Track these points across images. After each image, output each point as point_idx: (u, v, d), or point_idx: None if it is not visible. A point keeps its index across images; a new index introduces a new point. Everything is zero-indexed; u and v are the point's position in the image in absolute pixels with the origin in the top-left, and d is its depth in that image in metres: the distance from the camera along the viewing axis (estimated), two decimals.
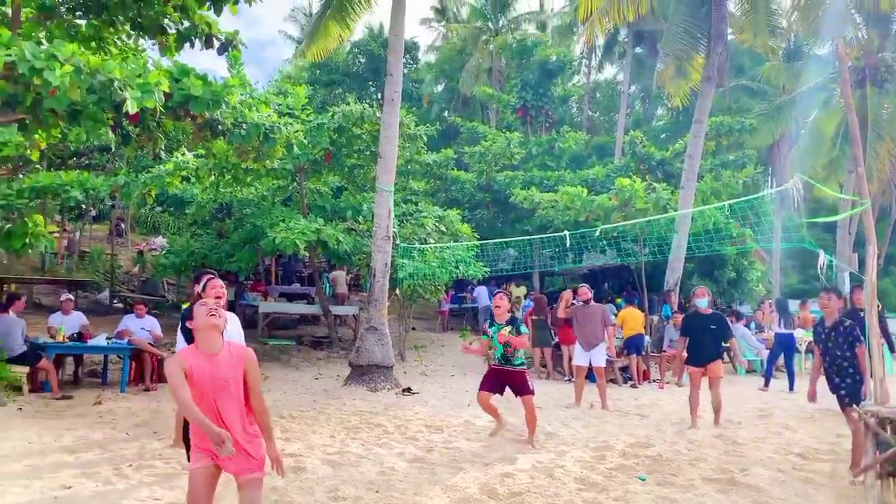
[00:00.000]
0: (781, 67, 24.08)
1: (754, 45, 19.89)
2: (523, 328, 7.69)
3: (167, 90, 8.92)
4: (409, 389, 11.03)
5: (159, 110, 9.19)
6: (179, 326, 5.80)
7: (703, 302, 8.99)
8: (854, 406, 5.94)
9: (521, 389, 7.65)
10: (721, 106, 25.37)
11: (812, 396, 6.90)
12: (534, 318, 13.91)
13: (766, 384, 12.35)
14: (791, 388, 12.09)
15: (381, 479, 5.94)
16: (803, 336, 13.31)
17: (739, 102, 27.70)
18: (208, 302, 3.70)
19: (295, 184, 15.69)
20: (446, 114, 36.29)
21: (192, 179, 15.50)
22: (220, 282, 6.02)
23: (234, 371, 3.62)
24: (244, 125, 10.52)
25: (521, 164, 24.04)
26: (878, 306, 13.12)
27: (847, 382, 6.31)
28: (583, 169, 23.58)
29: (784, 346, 12.39)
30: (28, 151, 11.42)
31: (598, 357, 10.21)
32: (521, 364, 7.74)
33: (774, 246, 22.30)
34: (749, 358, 14.77)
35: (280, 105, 13.73)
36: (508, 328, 7.61)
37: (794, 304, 15.30)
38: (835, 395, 6.50)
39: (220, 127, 10.48)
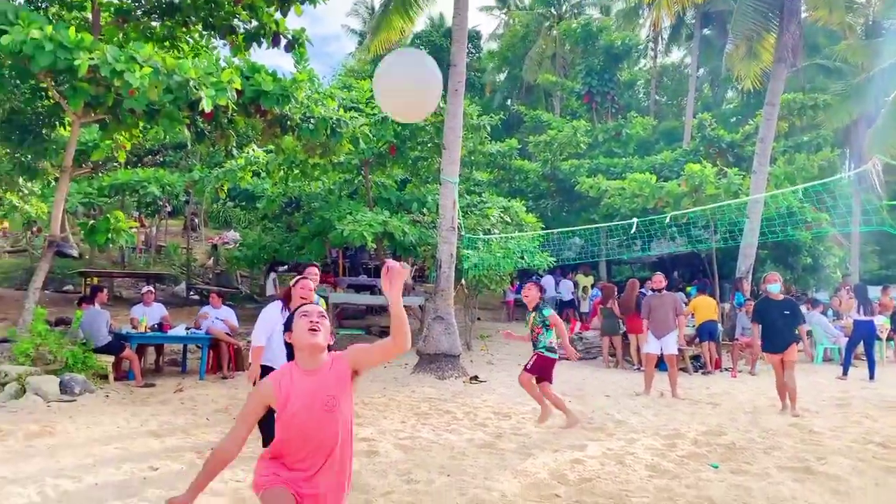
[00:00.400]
0: (859, 45, 23.07)
1: (830, 22, 19.12)
2: (546, 311, 7.74)
3: (239, 87, 9.22)
4: (476, 378, 11.12)
5: (232, 108, 9.52)
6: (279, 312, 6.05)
7: (774, 287, 8.82)
8: None
9: (529, 368, 7.76)
10: (794, 86, 24.49)
11: None
12: (601, 307, 13.82)
13: (845, 373, 11.95)
14: (871, 377, 11.68)
15: (452, 463, 6.04)
16: (884, 323, 12.83)
17: (814, 82, 26.71)
18: (310, 311, 3.04)
19: (361, 177, 15.96)
20: (509, 102, 36.18)
21: (263, 174, 16.00)
22: (311, 285, 6.16)
23: (341, 384, 2.98)
24: (312, 120, 10.79)
25: (587, 151, 23.80)
26: None
27: None
28: (650, 155, 23.19)
29: (864, 334, 11.96)
30: (115, 152, 11.96)
31: (670, 345, 10.07)
32: (544, 347, 7.75)
33: (853, 230, 21.47)
34: (826, 346, 14.33)
35: (345, 99, 13.98)
36: (534, 314, 7.76)
37: (875, 291, 14.74)
38: None
39: (288, 123, 10.78)
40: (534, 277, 20.86)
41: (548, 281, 20.30)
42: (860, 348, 12.38)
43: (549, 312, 7.76)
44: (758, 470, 6.00)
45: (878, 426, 7.89)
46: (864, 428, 7.78)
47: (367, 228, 13.10)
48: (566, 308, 20.02)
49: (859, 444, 6.97)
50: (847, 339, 12.68)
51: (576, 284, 20.59)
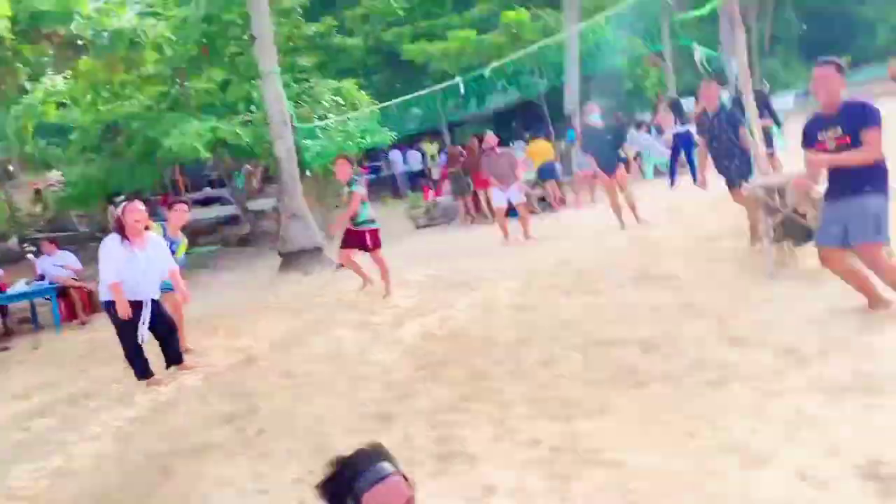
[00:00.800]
0: None
1: None
2: (354, 186, 7.99)
3: (9, 13, 8.31)
4: (342, 265, 11.22)
5: (9, 37, 8.61)
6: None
7: (594, 117, 9.46)
8: (743, 183, 6.42)
9: (364, 247, 8.17)
10: None
11: (704, 184, 7.42)
12: (451, 170, 14.13)
13: (672, 183, 12.99)
14: (695, 180, 12.70)
15: (331, 349, 6.23)
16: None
17: None
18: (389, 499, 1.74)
19: (177, 86, 14.99)
20: None
21: (68, 104, 14.70)
22: (141, 206, 6.05)
23: None
24: (105, 34, 9.94)
25: (407, 18, 23.31)
26: (766, 86, 13.72)
27: (735, 164, 6.75)
28: (469, 9, 23.04)
29: (682, 144, 12.93)
30: None
31: (515, 195, 10.55)
32: (364, 222, 8.10)
33: (665, 48, 22.57)
34: (655, 163, 15.42)
35: (138, 2, 12.87)
36: (347, 189, 8.02)
37: (689, 102, 15.79)
38: (724, 178, 6.99)
39: (80, 42, 9.89)
40: (382, 155, 20.89)
41: (395, 155, 20.39)
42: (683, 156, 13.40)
43: (355, 188, 7.97)
44: (606, 287, 6.59)
45: (703, 222, 8.74)
46: (693, 227, 8.62)
47: (197, 139, 12.48)
48: (418, 178, 20.27)
49: (690, 243, 7.76)
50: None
51: (423, 154, 20.79)
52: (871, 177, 4.45)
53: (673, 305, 5.66)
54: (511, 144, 17.33)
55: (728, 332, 4.80)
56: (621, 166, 9.59)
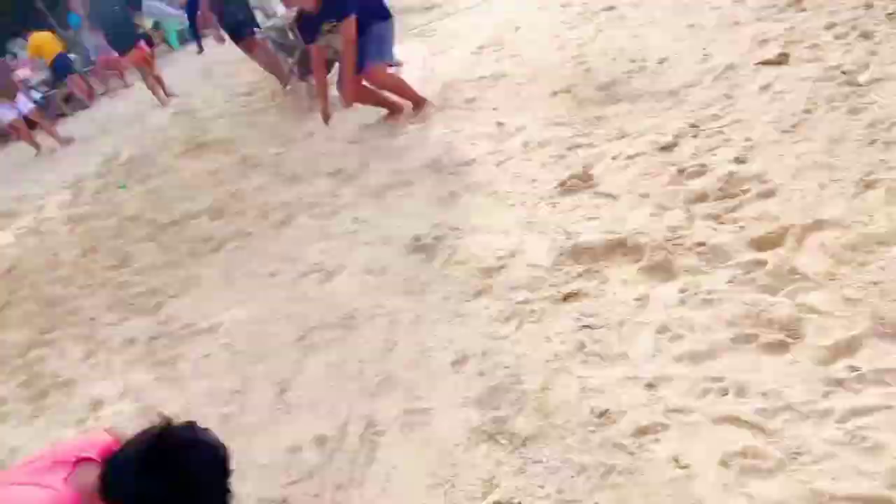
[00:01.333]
0: None
1: None
2: None
3: None
4: None
5: None
6: None
7: None
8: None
9: None
10: None
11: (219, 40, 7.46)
12: None
13: (200, 48, 11.96)
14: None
15: None
16: None
17: None
18: None
19: None
20: None
21: None
22: None
23: None
24: None
25: None
26: None
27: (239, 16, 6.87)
28: None
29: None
30: None
31: (24, 105, 9.47)
32: None
33: None
34: (177, 29, 14.50)
35: None
36: None
37: None
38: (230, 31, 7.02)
39: None
40: None
41: None
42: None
43: None
44: (158, 169, 6.37)
45: (237, 82, 8.68)
46: (228, 87, 8.57)
47: None
48: None
49: (230, 102, 7.78)
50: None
51: None
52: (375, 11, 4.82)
53: (229, 166, 5.72)
54: (6, 46, 14.68)
55: (284, 173, 5.04)
56: (142, 44, 9.02)
